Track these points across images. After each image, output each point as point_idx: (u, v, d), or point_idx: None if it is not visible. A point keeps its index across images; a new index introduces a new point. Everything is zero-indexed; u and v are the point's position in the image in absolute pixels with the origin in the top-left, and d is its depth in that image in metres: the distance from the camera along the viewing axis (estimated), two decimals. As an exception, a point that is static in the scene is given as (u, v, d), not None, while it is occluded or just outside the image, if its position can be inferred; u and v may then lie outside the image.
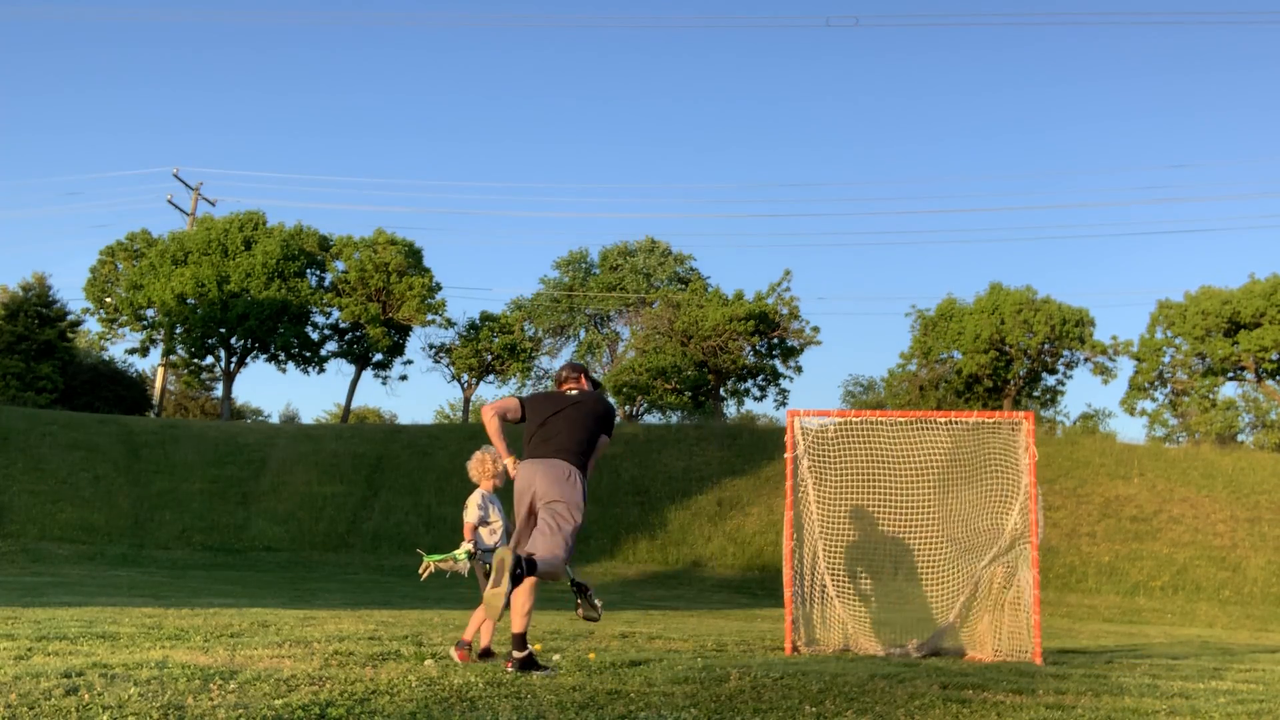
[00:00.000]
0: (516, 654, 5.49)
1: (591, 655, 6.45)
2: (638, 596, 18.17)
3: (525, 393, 48.78)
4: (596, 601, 5.87)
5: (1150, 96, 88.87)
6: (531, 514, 5.61)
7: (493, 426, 5.80)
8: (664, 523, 25.17)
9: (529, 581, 5.54)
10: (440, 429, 34.57)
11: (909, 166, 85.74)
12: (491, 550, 6.31)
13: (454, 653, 6.04)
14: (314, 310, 39.90)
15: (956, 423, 8.79)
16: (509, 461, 5.84)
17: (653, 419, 40.26)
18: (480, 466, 6.46)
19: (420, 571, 6.26)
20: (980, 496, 8.53)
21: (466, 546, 6.20)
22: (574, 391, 5.96)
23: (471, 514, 6.36)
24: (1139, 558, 23.65)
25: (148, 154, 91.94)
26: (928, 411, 10.50)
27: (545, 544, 5.42)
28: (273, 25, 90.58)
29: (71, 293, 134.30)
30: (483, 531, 6.37)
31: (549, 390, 6.05)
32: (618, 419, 45.15)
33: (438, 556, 6.19)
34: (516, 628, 5.54)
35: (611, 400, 5.77)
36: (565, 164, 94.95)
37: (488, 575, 6.22)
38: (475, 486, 6.57)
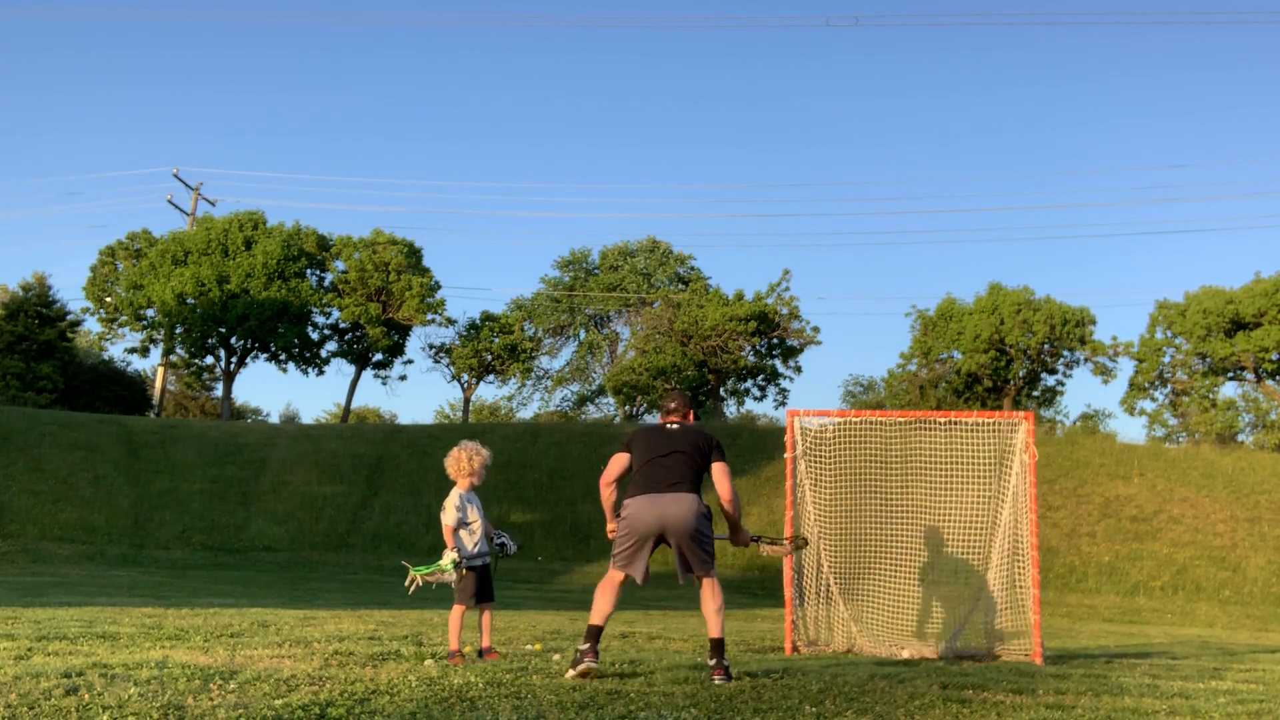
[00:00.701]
0: (586, 646, 5.53)
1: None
2: (638, 597, 18.15)
3: (526, 392, 48.27)
4: (777, 543, 6.70)
5: (1150, 96, 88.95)
6: (656, 543, 5.82)
7: (610, 501, 5.99)
8: (664, 523, 25.12)
9: (612, 583, 5.80)
10: (440, 429, 34.55)
11: (909, 166, 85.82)
12: (474, 556, 6.08)
13: (450, 663, 5.96)
14: (314, 310, 39.91)
15: (956, 423, 8.79)
16: (611, 526, 6.00)
17: (653, 419, 40.25)
18: (457, 464, 6.15)
19: (406, 585, 6.02)
20: (980, 496, 8.53)
21: (451, 555, 5.93)
22: (675, 426, 6.13)
23: (450, 516, 6.04)
24: (1139, 558, 23.65)
25: (148, 154, 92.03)
26: (928, 411, 10.50)
27: (704, 570, 5.87)
28: (273, 25, 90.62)
29: (71, 293, 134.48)
30: (461, 534, 6.08)
31: (653, 425, 6.30)
32: (617, 418, 45.45)
33: (424, 569, 5.94)
34: (595, 620, 5.71)
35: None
36: (565, 164, 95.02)
37: (476, 576, 6.09)
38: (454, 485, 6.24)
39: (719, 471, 5.98)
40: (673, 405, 6.30)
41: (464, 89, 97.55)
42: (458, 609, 6.10)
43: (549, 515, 25.68)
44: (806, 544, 6.62)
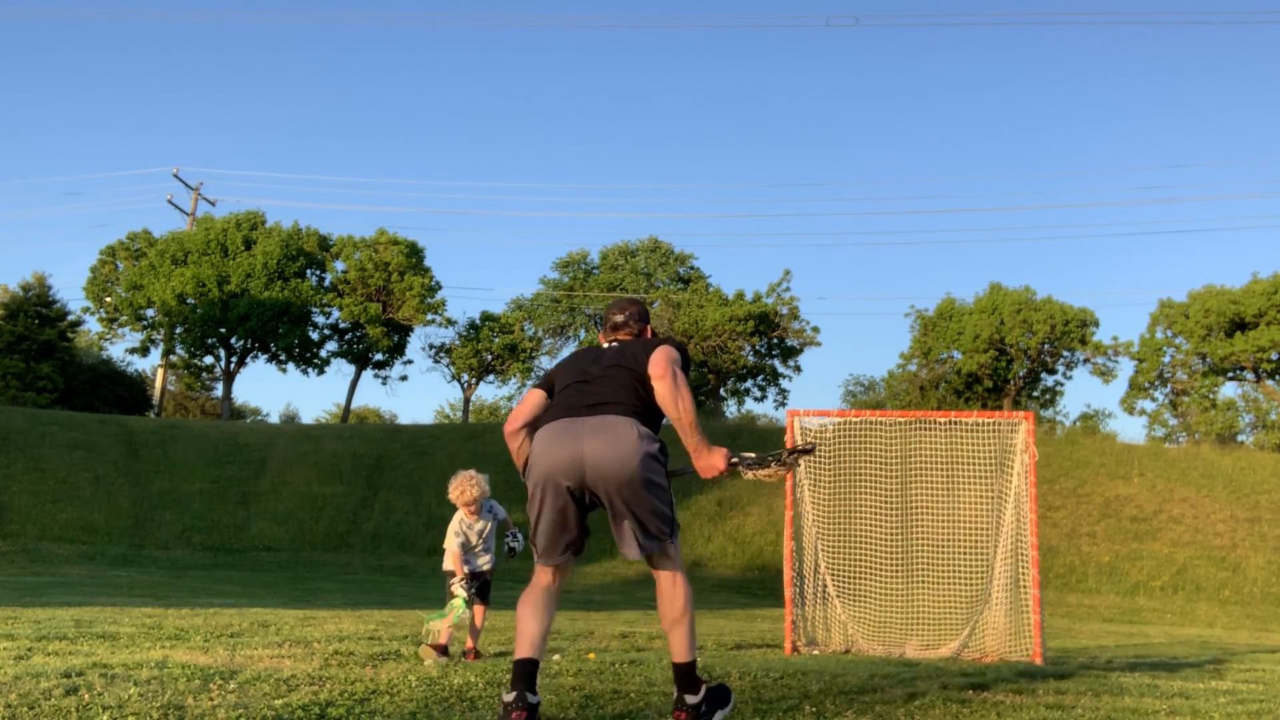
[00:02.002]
0: (512, 697, 3.72)
1: (591, 655, 6.45)
2: (638, 596, 18.15)
3: (526, 392, 49.21)
4: (766, 462, 4.24)
5: (1150, 96, 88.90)
6: (581, 503, 3.83)
7: (520, 454, 4.01)
8: (664, 523, 25.13)
9: (536, 588, 3.91)
10: (440, 429, 34.55)
11: (909, 167, 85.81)
12: (480, 571, 6.28)
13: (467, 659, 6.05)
14: (314, 310, 39.93)
15: (956, 423, 8.79)
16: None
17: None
18: (457, 491, 6.32)
19: (424, 636, 6.08)
20: (980, 496, 8.54)
21: (461, 594, 6.03)
22: (615, 344, 4.20)
23: (450, 542, 6.24)
24: (1139, 558, 23.65)
25: (148, 154, 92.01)
26: (928, 411, 10.50)
27: (656, 544, 3.86)
28: (273, 25, 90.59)
29: (71, 293, 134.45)
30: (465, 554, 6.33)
31: (589, 347, 4.32)
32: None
33: (438, 617, 6.02)
34: (522, 650, 3.80)
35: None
36: (565, 164, 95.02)
37: (473, 591, 6.20)
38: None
39: (654, 350, 3.92)
40: (619, 319, 4.30)
41: (465, 89, 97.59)
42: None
43: (549, 515, 25.63)
44: (811, 451, 4.50)
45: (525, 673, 3.69)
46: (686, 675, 3.91)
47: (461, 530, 6.28)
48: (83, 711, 3.65)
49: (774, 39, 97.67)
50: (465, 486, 6.26)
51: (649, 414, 3.91)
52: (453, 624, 5.92)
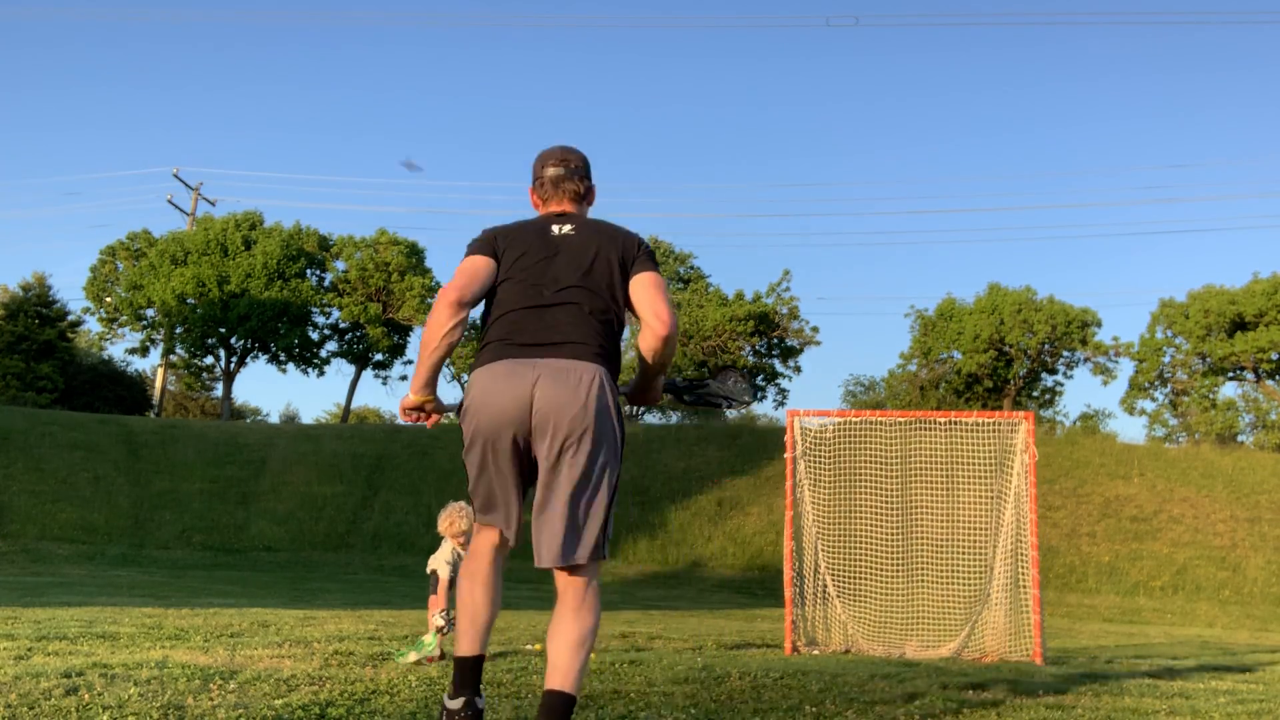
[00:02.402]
0: (458, 705, 3.21)
1: (590, 655, 6.45)
2: (638, 596, 18.16)
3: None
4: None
5: (1150, 96, 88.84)
6: (526, 459, 3.21)
7: (443, 342, 3.26)
8: (664, 523, 25.19)
9: (480, 557, 3.36)
10: (440, 429, 34.53)
11: (909, 166, 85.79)
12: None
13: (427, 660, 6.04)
14: (314, 310, 39.95)
15: (956, 423, 8.80)
16: (415, 399, 3.38)
17: (653, 419, 40.25)
18: (446, 523, 6.30)
19: (398, 660, 6.13)
20: (980, 496, 8.54)
21: (437, 622, 6.00)
22: (569, 230, 3.37)
23: (444, 571, 6.21)
24: (1139, 558, 23.65)
25: (148, 154, 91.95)
26: (928, 411, 10.50)
27: (586, 540, 3.22)
28: (273, 25, 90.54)
29: (71, 293, 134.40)
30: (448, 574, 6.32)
31: (532, 227, 3.43)
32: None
33: (408, 653, 5.94)
34: (464, 646, 3.29)
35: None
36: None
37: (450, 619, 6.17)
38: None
39: (647, 283, 3.29)
40: (560, 171, 3.50)
41: (464, 89, 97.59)
42: (435, 600, 6.22)
43: (549, 515, 25.62)
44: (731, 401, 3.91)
45: (473, 672, 3.19)
46: (566, 714, 3.04)
47: (453, 560, 6.28)
48: (83, 711, 3.65)
49: (774, 39, 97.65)
50: (455, 519, 6.27)
51: (614, 351, 3.28)
52: (420, 658, 5.85)
